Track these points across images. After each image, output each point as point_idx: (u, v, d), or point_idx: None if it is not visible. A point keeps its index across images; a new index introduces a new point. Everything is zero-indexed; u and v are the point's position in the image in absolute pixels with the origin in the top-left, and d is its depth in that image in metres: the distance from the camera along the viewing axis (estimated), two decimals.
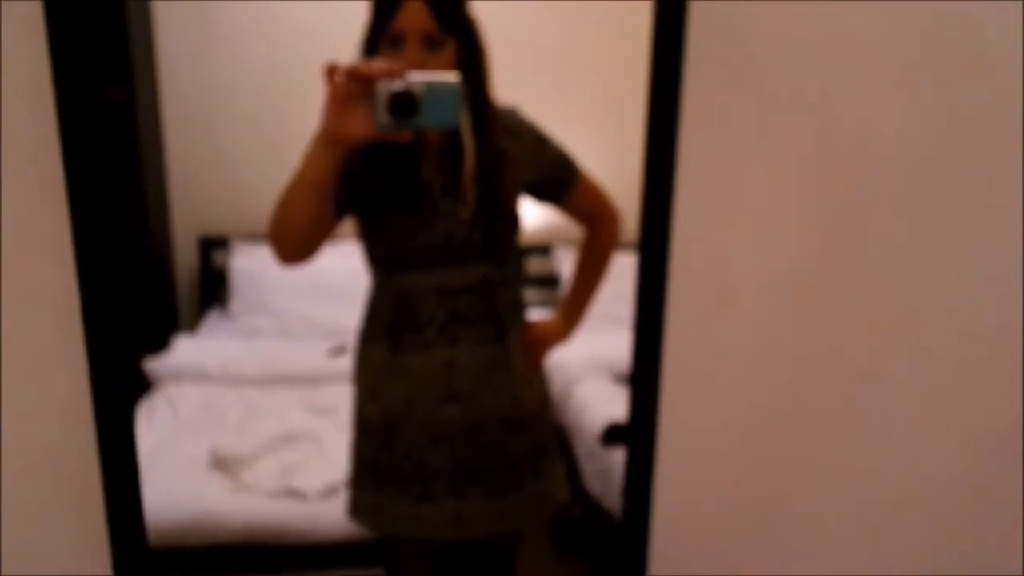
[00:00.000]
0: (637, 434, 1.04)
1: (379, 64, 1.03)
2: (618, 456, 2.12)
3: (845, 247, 0.98)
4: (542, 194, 1.36)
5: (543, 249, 3.20)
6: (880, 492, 1.07)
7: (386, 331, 1.28)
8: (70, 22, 0.81)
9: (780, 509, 1.09)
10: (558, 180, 1.35)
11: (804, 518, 1.09)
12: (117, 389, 0.89)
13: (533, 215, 2.77)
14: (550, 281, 3.21)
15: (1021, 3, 0.89)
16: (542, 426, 1.38)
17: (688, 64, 0.90)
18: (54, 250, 0.86)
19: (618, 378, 2.56)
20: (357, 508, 1.36)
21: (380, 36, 1.16)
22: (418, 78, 1.03)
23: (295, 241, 1.19)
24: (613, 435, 2.18)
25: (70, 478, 0.93)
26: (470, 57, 1.21)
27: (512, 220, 1.29)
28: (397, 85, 1.02)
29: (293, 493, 1.85)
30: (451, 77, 1.06)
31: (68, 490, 0.93)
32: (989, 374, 1.02)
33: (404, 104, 1.02)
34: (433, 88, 1.04)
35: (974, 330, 1.01)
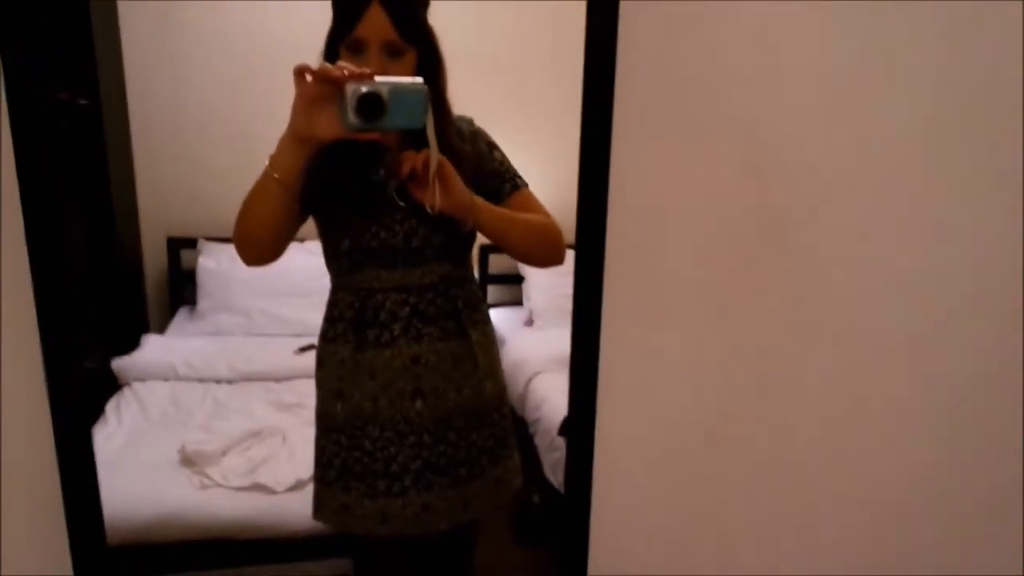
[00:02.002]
0: (576, 436, 1.08)
1: (349, 67, 1.07)
2: None
3: (772, 255, 1.02)
4: (484, 196, 1.35)
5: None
6: (810, 491, 1.11)
7: (349, 329, 1.31)
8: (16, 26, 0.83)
9: (714, 508, 1.12)
10: (498, 187, 1.37)
11: (737, 517, 1.12)
12: (73, 392, 0.92)
13: None
14: (514, 279, 3.28)
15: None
16: (502, 417, 1.43)
17: (620, 67, 0.92)
18: (10, 252, 0.88)
19: None
20: (322, 508, 1.38)
21: (342, 43, 1.19)
22: (385, 81, 1.07)
23: (261, 241, 1.22)
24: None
25: (29, 479, 0.94)
26: (429, 64, 1.25)
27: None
28: (365, 87, 1.05)
29: (260, 488, 1.90)
30: (417, 81, 1.10)
31: (28, 491, 0.94)
32: (911, 373, 1.07)
33: (372, 106, 1.06)
34: (399, 91, 1.08)
35: (894, 331, 1.06)
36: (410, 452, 1.31)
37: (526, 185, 1.40)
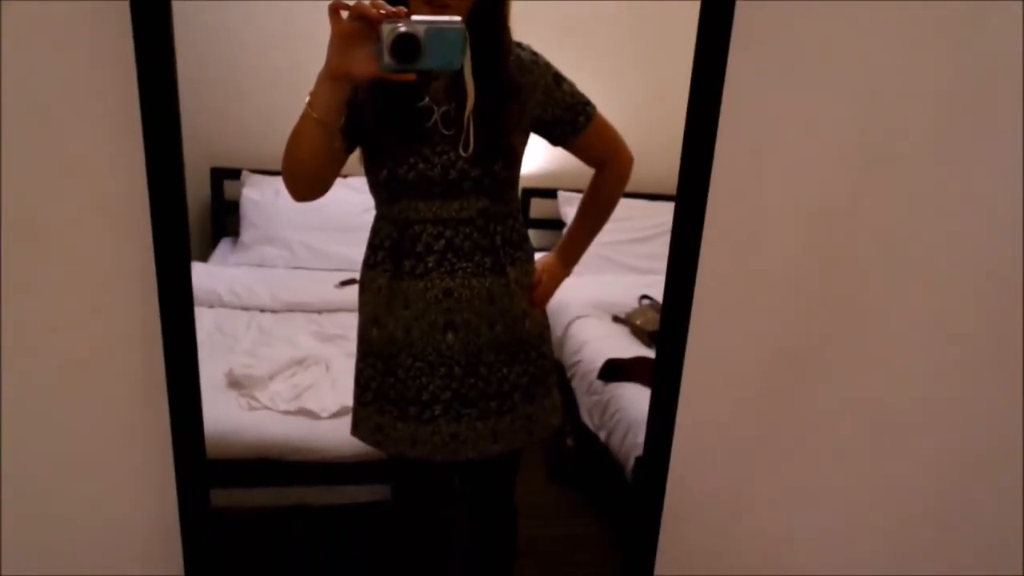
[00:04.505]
0: (665, 358, 1.10)
1: (384, 4, 1.05)
2: (615, 391, 2.21)
3: (869, 190, 1.03)
4: (553, 133, 1.38)
5: (549, 192, 3.24)
6: (890, 428, 1.14)
7: (388, 258, 1.32)
8: None
9: (795, 438, 1.15)
10: (571, 120, 1.36)
11: (819, 451, 1.15)
12: (183, 292, 0.95)
13: (538, 158, 2.80)
14: (555, 224, 3.26)
15: None
16: (540, 357, 1.43)
17: (736, 20, 0.94)
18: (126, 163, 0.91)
19: (617, 318, 2.64)
20: (358, 426, 1.44)
21: None
22: (422, 20, 1.05)
23: (306, 178, 1.23)
24: (611, 371, 2.27)
25: (135, 373, 0.99)
26: None
27: (511, 157, 1.31)
28: (402, 26, 1.03)
29: (306, 413, 1.94)
30: (454, 20, 1.08)
31: (134, 384, 0.99)
32: (998, 319, 1.09)
33: (407, 47, 1.04)
34: (436, 31, 1.05)
35: (987, 275, 1.07)
36: (440, 383, 1.33)
37: (595, 108, 1.38)
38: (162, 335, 0.94)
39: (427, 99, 1.26)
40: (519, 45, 1.33)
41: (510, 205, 1.36)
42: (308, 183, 1.25)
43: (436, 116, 1.25)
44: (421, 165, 1.26)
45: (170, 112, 0.90)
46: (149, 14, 0.86)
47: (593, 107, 1.39)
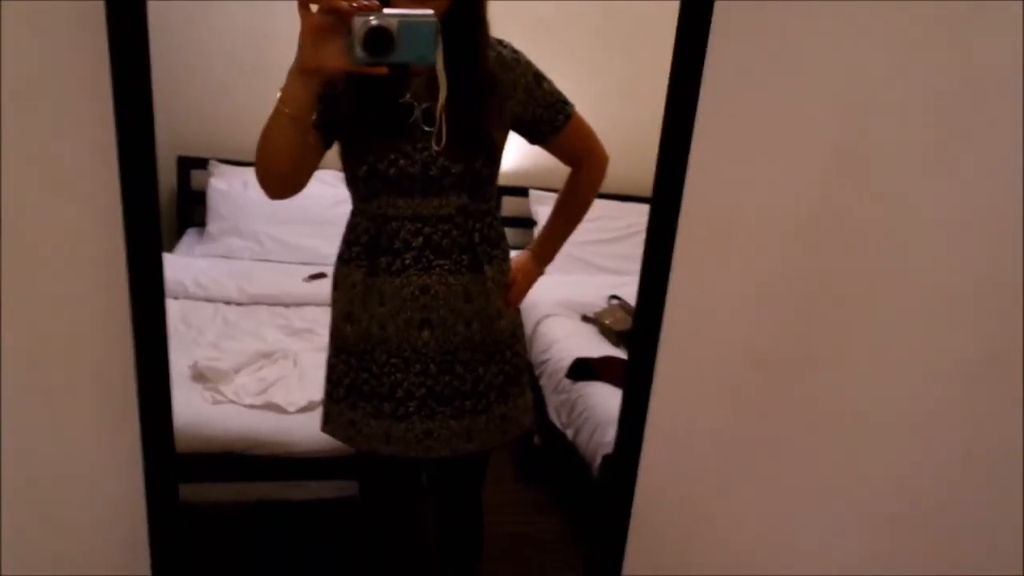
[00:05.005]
0: (637, 358, 1.10)
1: None
2: (583, 390, 2.23)
3: (846, 191, 1.04)
4: (533, 131, 1.38)
5: (520, 190, 3.25)
6: (865, 428, 1.15)
7: (363, 254, 1.31)
8: None
9: (767, 438, 1.15)
10: (551, 119, 1.37)
11: (791, 450, 1.16)
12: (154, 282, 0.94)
13: (510, 156, 2.81)
14: (526, 222, 3.27)
15: None
16: (514, 356, 1.43)
17: (714, 20, 0.94)
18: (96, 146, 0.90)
19: (586, 317, 2.66)
20: (330, 422, 1.41)
21: None
22: (394, 13, 1.04)
23: (281, 175, 1.21)
24: (580, 370, 2.29)
25: (102, 362, 0.97)
26: None
27: (491, 153, 1.31)
28: (374, 19, 1.02)
29: (272, 407, 1.92)
30: (427, 13, 1.06)
31: (100, 374, 0.98)
32: (979, 316, 1.10)
33: (379, 40, 1.02)
34: (409, 24, 1.04)
35: (966, 277, 1.08)
36: (415, 380, 1.33)
37: (573, 107, 1.39)
38: (132, 326, 0.92)
39: (408, 95, 1.25)
40: (500, 43, 1.33)
41: (488, 203, 1.36)
42: (283, 180, 1.22)
43: (417, 112, 1.24)
44: (402, 161, 1.25)
45: (142, 99, 0.89)
46: (124, 3, 0.84)
47: (572, 106, 1.40)
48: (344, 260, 1.36)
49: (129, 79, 0.87)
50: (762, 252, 1.06)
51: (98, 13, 0.85)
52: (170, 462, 1.00)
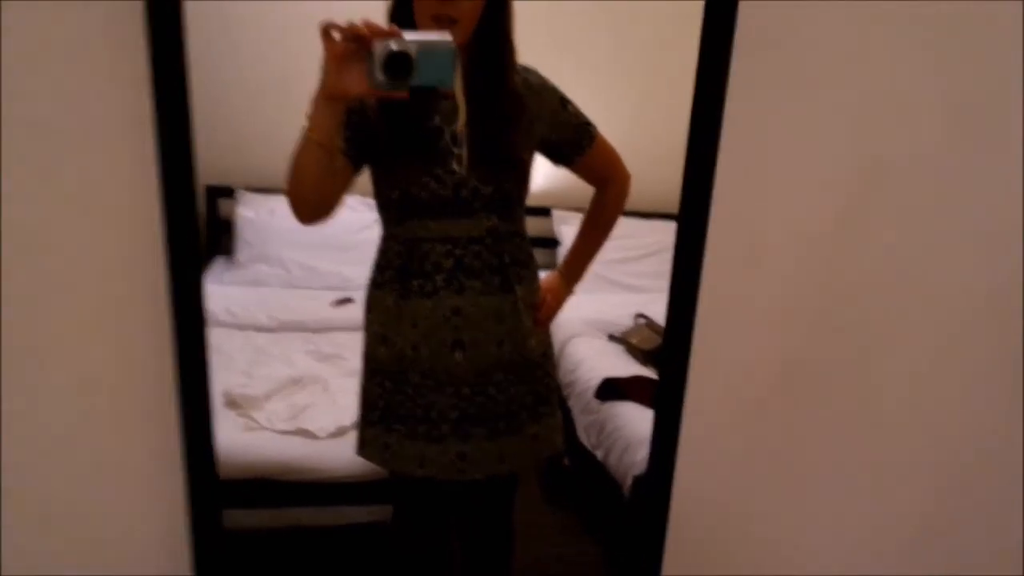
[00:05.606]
0: (668, 376, 1.11)
1: (375, 24, 1.07)
2: (611, 410, 2.22)
3: (866, 209, 1.05)
4: (557, 153, 1.41)
5: (543, 210, 3.26)
6: (890, 439, 1.15)
7: (395, 277, 1.33)
8: None
9: (799, 455, 1.16)
10: (575, 141, 1.40)
11: (821, 465, 1.16)
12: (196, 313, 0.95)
13: (534, 177, 2.82)
14: (549, 242, 3.27)
15: None
16: (545, 375, 1.44)
17: (737, 37, 0.96)
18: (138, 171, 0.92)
19: (612, 337, 2.66)
20: (365, 445, 1.43)
21: None
22: (414, 39, 1.07)
23: (311, 200, 1.24)
24: (608, 389, 2.28)
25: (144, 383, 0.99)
26: (497, 5, 1.25)
27: (521, 174, 1.34)
28: (393, 45, 1.05)
29: (304, 433, 1.93)
30: (446, 38, 1.09)
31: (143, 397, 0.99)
32: (1002, 326, 1.11)
33: (399, 64, 1.06)
34: (428, 48, 1.07)
35: (985, 290, 1.09)
36: (448, 401, 1.34)
37: (596, 129, 1.43)
38: (175, 354, 0.94)
39: (437, 119, 1.27)
40: (527, 69, 1.36)
41: (517, 224, 1.38)
42: (313, 205, 1.25)
43: (447, 135, 1.27)
44: (433, 184, 1.27)
45: (183, 130, 0.91)
46: (164, 36, 0.87)
47: (595, 128, 1.42)
48: (377, 284, 1.38)
49: (170, 113, 0.89)
50: (788, 268, 1.07)
51: (139, 46, 0.87)
52: (213, 489, 1.01)
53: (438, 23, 1.18)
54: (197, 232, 0.95)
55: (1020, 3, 0.98)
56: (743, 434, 1.14)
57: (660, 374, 1.15)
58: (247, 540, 1.92)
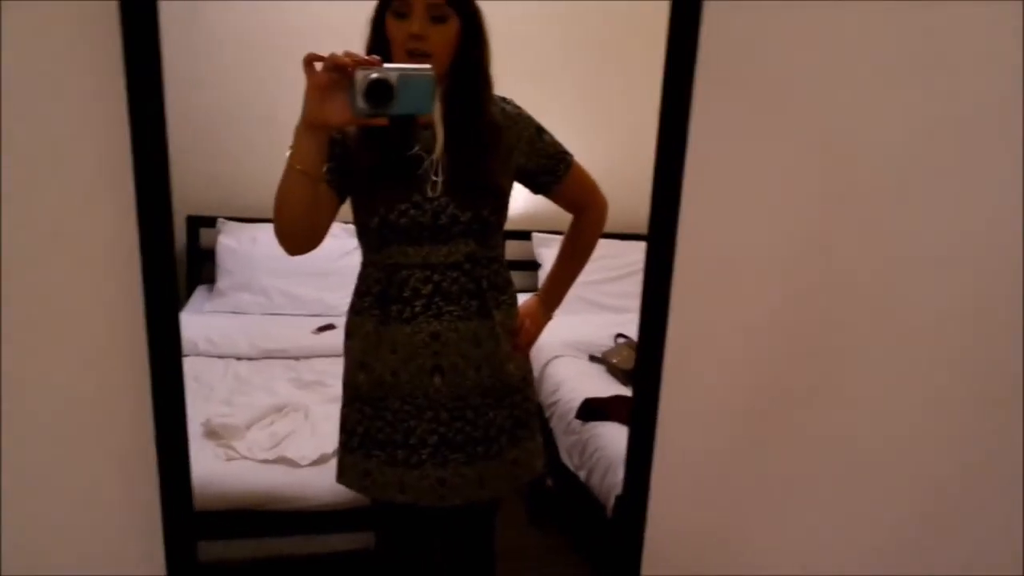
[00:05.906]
0: (641, 400, 1.12)
1: (356, 55, 1.10)
2: (593, 430, 2.23)
3: (835, 232, 1.07)
4: (534, 182, 1.43)
5: (523, 234, 3.29)
6: (864, 457, 1.16)
7: (375, 304, 1.34)
8: None
9: (774, 474, 1.17)
10: (551, 170, 1.42)
11: (797, 484, 1.17)
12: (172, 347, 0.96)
13: (513, 201, 2.85)
14: (529, 265, 3.30)
15: (1021, 2, 0.98)
16: (524, 400, 1.45)
17: (700, 64, 0.97)
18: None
19: (593, 357, 2.67)
20: (345, 472, 1.43)
21: (389, 8, 1.23)
22: (394, 68, 1.10)
23: (298, 230, 1.25)
24: (589, 410, 2.29)
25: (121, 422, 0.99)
26: (472, 33, 1.27)
27: (499, 202, 1.36)
28: (374, 74, 1.08)
29: (285, 462, 1.92)
30: (425, 67, 1.13)
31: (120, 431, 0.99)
32: (971, 343, 1.13)
33: (380, 91, 1.08)
34: (408, 77, 1.10)
35: (956, 308, 1.11)
36: (428, 427, 1.34)
37: (573, 157, 1.45)
38: (151, 386, 0.95)
39: (417, 147, 1.29)
40: (504, 100, 1.38)
41: (495, 250, 1.40)
42: (300, 235, 1.26)
43: (427, 163, 1.29)
44: (412, 211, 1.28)
45: (159, 162, 0.93)
46: (142, 63, 0.89)
47: (571, 156, 1.45)
48: (356, 311, 1.39)
49: (147, 145, 0.91)
50: (757, 287, 1.09)
51: (117, 73, 0.88)
52: (189, 521, 1.01)
53: (413, 58, 1.21)
54: (173, 263, 0.96)
55: (991, 25, 1.00)
56: (718, 451, 1.16)
57: (633, 394, 1.16)
58: (229, 572, 1.91)
